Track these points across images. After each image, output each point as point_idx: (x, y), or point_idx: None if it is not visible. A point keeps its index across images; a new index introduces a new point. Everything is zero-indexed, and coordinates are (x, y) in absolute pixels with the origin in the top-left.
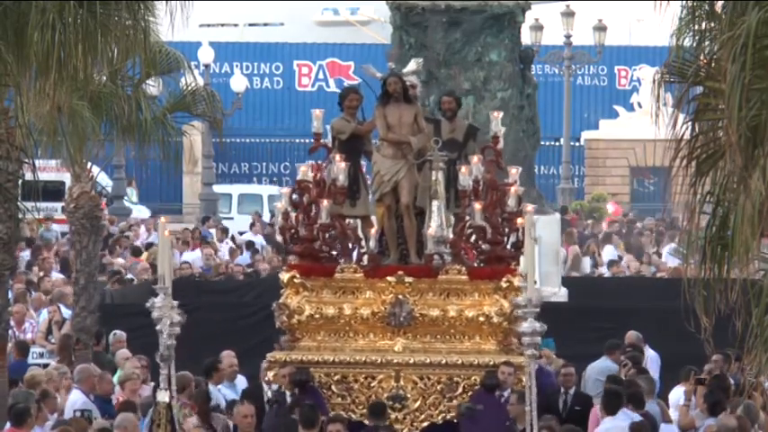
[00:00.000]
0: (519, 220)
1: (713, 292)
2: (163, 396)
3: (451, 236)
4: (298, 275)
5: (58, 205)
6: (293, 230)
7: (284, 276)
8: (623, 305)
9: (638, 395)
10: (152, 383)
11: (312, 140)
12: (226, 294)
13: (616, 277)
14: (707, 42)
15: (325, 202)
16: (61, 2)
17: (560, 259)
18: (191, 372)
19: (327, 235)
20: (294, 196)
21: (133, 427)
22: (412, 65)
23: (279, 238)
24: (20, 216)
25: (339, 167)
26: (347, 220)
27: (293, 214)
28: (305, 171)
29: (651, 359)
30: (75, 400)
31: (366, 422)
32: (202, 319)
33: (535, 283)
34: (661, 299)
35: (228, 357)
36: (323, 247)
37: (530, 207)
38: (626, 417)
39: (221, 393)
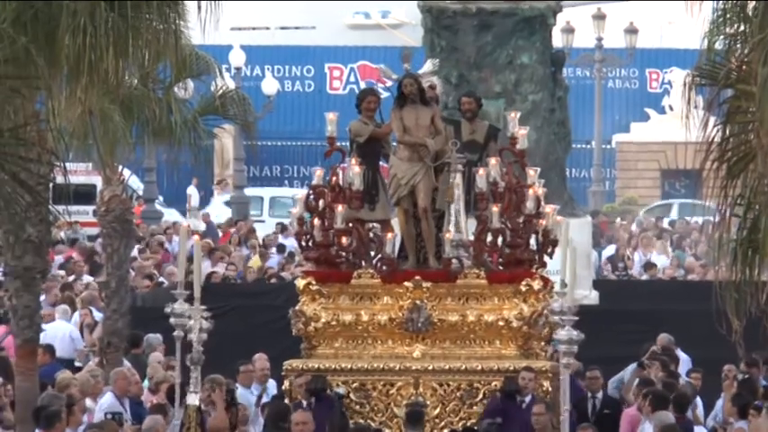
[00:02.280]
0: (541, 222)
1: (744, 294)
2: (193, 399)
3: (471, 239)
4: (314, 282)
5: (90, 208)
6: (309, 236)
7: (300, 283)
8: (655, 308)
9: (683, 399)
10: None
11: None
12: (257, 297)
13: (648, 280)
14: (738, 45)
15: (340, 207)
16: (93, 2)
17: (592, 262)
18: (222, 374)
19: (345, 240)
20: (309, 201)
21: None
22: (428, 65)
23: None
24: (51, 219)
25: (355, 171)
26: (367, 225)
27: (309, 220)
28: (320, 175)
29: (683, 362)
30: (105, 402)
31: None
32: (233, 322)
33: (565, 285)
34: (692, 302)
35: (261, 360)
36: (339, 253)
37: (548, 209)
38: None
39: (253, 395)
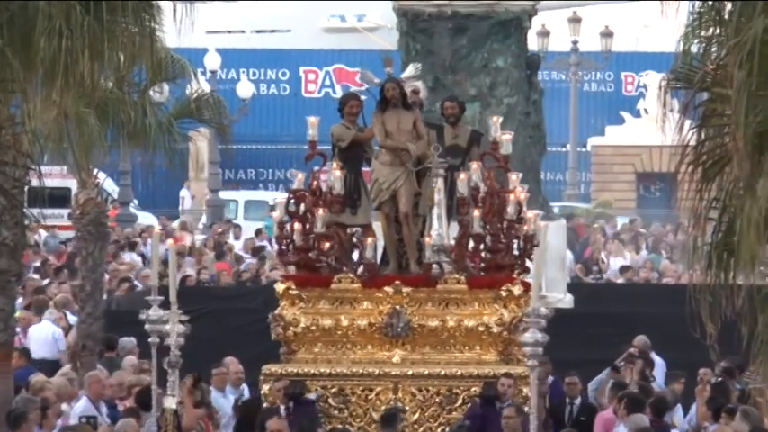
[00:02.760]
0: (522, 227)
1: (718, 298)
2: (170, 402)
3: (452, 244)
4: (293, 286)
5: (65, 212)
6: (289, 240)
7: (280, 287)
8: (630, 311)
9: (661, 404)
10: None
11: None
12: (232, 301)
13: (622, 283)
14: (714, 48)
15: (320, 212)
16: (69, 4)
17: (566, 265)
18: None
19: (325, 245)
20: (290, 205)
21: None
22: (410, 70)
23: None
24: (26, 222)
25: (336, 176)
26: (348, 229)
27: (288, 224)
28: (301, 179)
29: (658, 365)
30: (80, 407)
31: None
32: (209, 325)
33: (541, 289)
34: (667, 305)
35: (234, 364)
36: (319, 257)
37: (530, 214)
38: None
39: (226, 399)
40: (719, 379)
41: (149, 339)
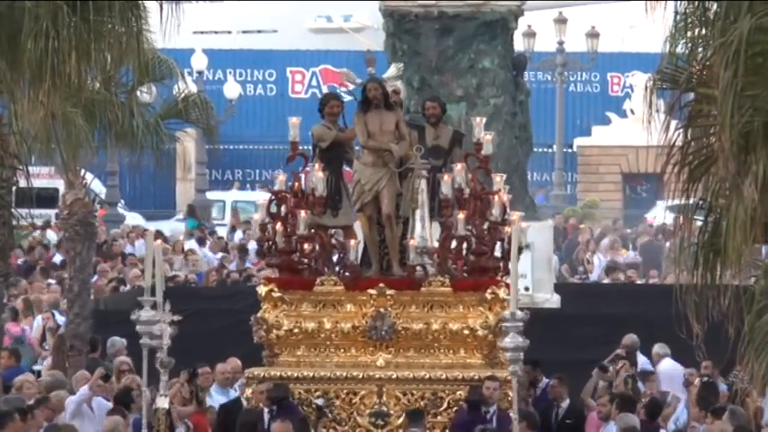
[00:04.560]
0: (506, 229)
1: (705, 298)
2: (162, 402)
3: (436, 246)
4: (276, 289)
5: (52, 212)
6: (271, 242)
7: (262, 290)
8: (616, 311)
9: (654, 407)
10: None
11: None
12: (218, 301)
13: (609, 283)
14: (699, 49)
15: (303, 213)
16: (56, 4)
17: (553, 266)
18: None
19: (307, 247)
20: (271, 207)
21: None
22: (392, 70)
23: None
24: (13, 223)
25: (318, 177)
26: (329, 231)
27: (270, 226)
28: (282, 180)
29: (641, 364)
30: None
31: None
32: (194, 326)
33: (527, 289)
34: (653, 305)
35: (231, 363)
36: (302, 260)
37: (515, 216)
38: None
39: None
40: (709, 379)
41: (141, 341)
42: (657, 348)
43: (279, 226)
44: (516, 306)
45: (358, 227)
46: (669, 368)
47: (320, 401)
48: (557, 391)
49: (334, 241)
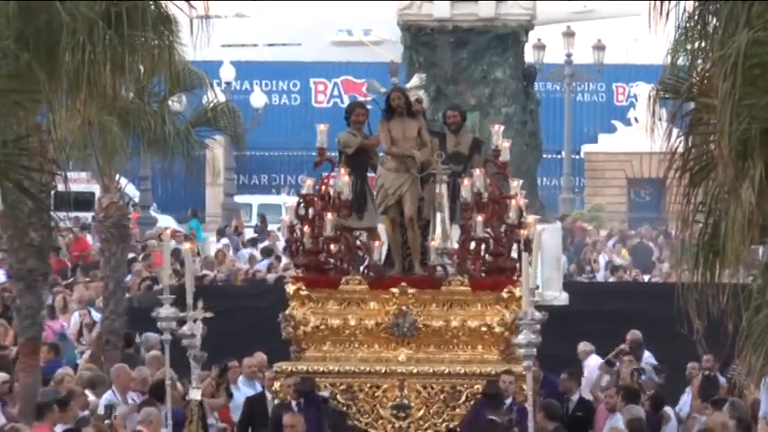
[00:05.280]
0: (522, 231)
1: (705, 296)
2: (195, 394)
3: (456, 247)
4: (303, 287)
5: (89, 215)
6: (299, 243)
7: (290, 288)
8: (621, 308)
9: (658, 399)
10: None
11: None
12: (247, 299)
13: (614, 282)
14: (699, 61)
15: (329, 216)
16: (91, 21)
17: (561, 265)
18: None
19: (333, 247)
20: (300, 209)
21: (158, 421)
22: (415, 80)
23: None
24: (52, 225)
25: (343, 181)
26: (355, 233)
27: (298, 227)
28: (310, 185)
29: (647, 359)
30: (106, 397)
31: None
32: (223, 323)
33: (538, 288)
34: (656, 302)
35: (257, 357)
36: (328, 260)
37: (531, 219)
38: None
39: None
40: (711, 373)
41: (162, 337)
42: (583, 346)
43: (306, 228)
44: (529, 304)
45: (382, 229)
46: (596, 363)
47: (325, 393)
48: (567, 385)
49: (358, 242)
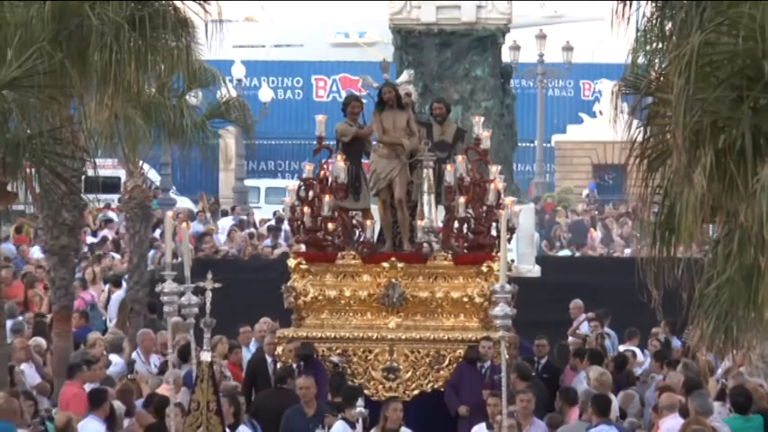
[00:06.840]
0: (501, 212)
1: (662, 269)
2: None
3: (441, 226)
4: (303, 262)
5: (115, 197)
6: (299, 222)
7: (291, 262)
8: (588, 281)
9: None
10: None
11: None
12: (254, 272)
13: (581, 257)
14: (657, 60)
15: (327, 198)
16: (118, 25)
17: (534, 242)
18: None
19: (330, 226)
20: (300, 192)
21: (180, 381)
22: (404, 76)
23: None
24: (83, 205)
25: (340, 166)
26: (350, 213)
27: (299, 208)
28: (310, 170)
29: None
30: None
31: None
32: (233, 293)
33: (513, 262)
34: (619, 275)
35: (262, 324)
36: (326, 237)
37: (508, 200)
38: None
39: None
40: (666, 337)
41: (165, 309)
42: (574, 303)
43: (306, 208)
44: (505, 279)
45: (374, 210)
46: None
47: (335, 359)
48: (541, 349)
49: (354, 222)
